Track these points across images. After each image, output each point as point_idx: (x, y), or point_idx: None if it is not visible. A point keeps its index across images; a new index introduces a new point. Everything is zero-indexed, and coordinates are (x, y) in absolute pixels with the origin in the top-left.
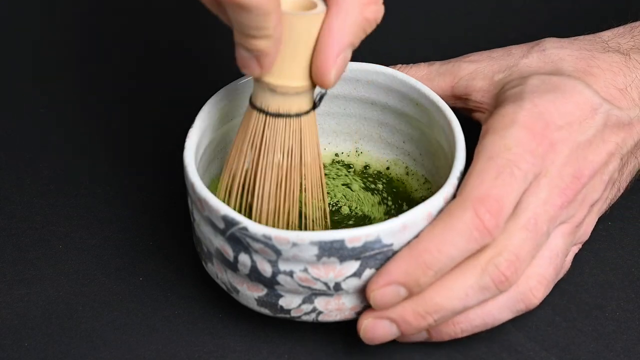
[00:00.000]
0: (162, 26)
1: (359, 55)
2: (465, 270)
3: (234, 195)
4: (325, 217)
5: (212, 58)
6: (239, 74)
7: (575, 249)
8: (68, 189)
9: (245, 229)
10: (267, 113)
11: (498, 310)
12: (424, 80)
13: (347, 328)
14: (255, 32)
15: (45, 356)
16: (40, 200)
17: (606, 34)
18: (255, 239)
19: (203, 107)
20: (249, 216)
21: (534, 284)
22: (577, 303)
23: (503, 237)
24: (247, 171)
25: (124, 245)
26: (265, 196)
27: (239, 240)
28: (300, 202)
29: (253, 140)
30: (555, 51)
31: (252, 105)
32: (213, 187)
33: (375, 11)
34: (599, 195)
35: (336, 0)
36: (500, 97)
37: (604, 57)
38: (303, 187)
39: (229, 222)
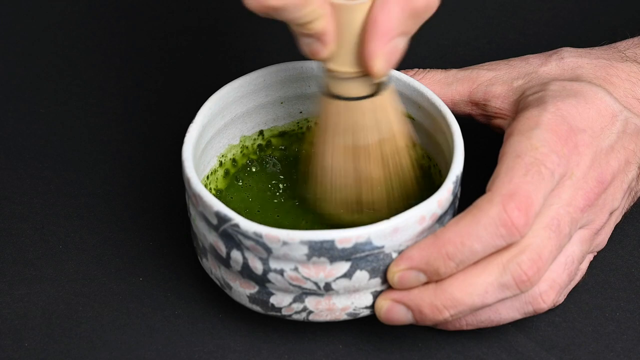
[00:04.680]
0: (162, 26)
1: None
2: (487, 266)
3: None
4: (386, 203)
5: (212, 57)
6: (240, 73)
7: (590, 257)
8: (68, 189)
9: (237, 225)
10: (327, 94)
11: (506, 310)
12: (441, 85)
13: (347, 328)
14: (304, 19)
15: (45, 356)
16: (40, 200)
17: (622, 44)
18: (246, 236)
19: (205, 103)
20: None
21: (545, 288)
22: (577, 303)
23: (526, 236)
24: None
25: (124, 245)
26: (334, 178)
27: (231, 237)
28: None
29: (320, 122)
30: (573, 59)
31: (321, 92)
32: (212, 184)
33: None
34: (619, 204)
35: None
36: (522, 103)
37: (623, 67)
38: (368, 168)
39: (222, 219)
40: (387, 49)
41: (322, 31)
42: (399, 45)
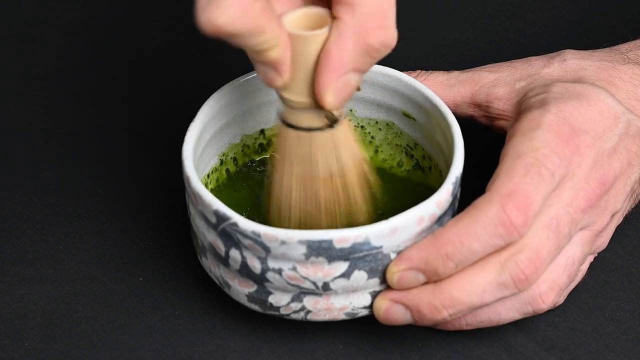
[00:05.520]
0: (162, 25)
1: None
2: (485, 266)
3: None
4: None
5: (212, 57)
6: (240, 72)
7: (591, 258)
8: (68, 189)
9: (235, 224)
10: (282, 122)
11: (506, 310)
12: (443, 87)
13: (347, 328)
14: (259, 46)
15: (45, 356)
16: (40, 200)
17: (624, 47)
18: (245, 235)
19: (205, 102)
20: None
21: (544, 289)
22: (577, 303)
23: (525, 236)
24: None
25: (124, 245)
26: (290, 206)
27: (230, 236)
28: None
29: (277, 148)
30: (576, 61)
31: (278, 118)
32: (212, 183)
33: (382, 37)
34: (621, 205)
35: (337, 24)
36: (524, 104)
37: (625, 69)
38: (320, 200)
39: (220, 217)
40: (338, 83)
41: (277, 60)
42: (351, 80)
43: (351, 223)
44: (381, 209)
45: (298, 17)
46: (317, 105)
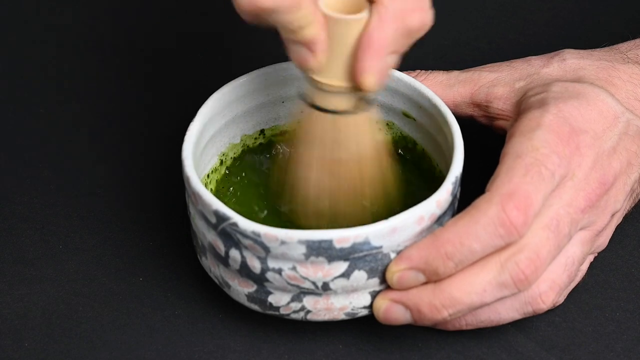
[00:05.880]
0: (162, 25)
1: None
2: (485, 265)
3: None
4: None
5: (212, 57)
6: (240, 72)
7: (591, 258)
8: (68, 189)
9: (235, 224)
10: (308, 104)
11: (506, 310)
12: (443, 87)
13: (347, 328)
14: (296, 24)
15: (45, 356)
16: (40, 200)
17: (623, 46)
18: (245, 235)
19: (205, 103)
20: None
21: (544, 289)
22: (577, 303)
23: (525, 236)
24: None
25: (124, 245)
26: (309, 187)
27: (230, 236)
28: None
29: (298, 131)
30: (575, 61)
31: (303, 98)
32: (212, 183)
33: (420, 19)
34: (621, 205)
35: (377, 8)
36: (524, 104)
37: (624, 69)
38: (341, 183)
39: (220, 217)
40: (380, 66)
41: (313, 39)
42: (390, 62)
43: (371, 207)
44: (382, 207)
45: (333, 0)
46: (351, 88)
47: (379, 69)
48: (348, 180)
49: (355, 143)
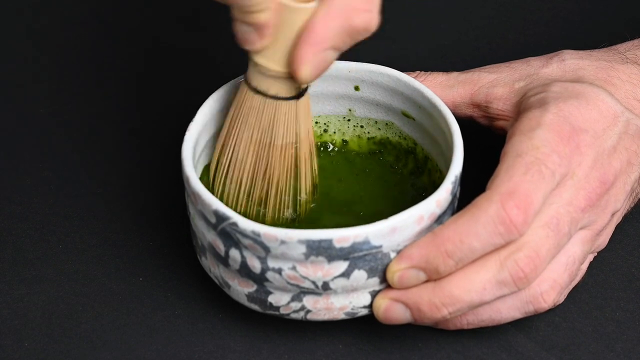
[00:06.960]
0: (162, 25)
1: (364, 57)
2: (485, 264)
3: (221, 171)
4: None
5: (212, 57)
6: (240, 72)
7: (591, 257)
8: (68, 189)
9: (235, 224)
10: (249, 87)
11: (507, 309)
12: (442, 88)
13: (347, 328)
14: (253, 7)
15: (45, 356)
16: (40, 200)
17: (622, 46)
18: (244, 234)
19: (205, 102)
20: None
21: (545, 288)
22: (577, 303)
23: (525, 234)
24: (227, 143)
25: (124, 245)
26: (243, 170)
27: (230, 236)
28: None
29: (235, 112)
30: (574, 61)
31: (244, 80)
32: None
33: (365, 20)
34: (621, 205)
35: (326, 2)
36: (523, 104)
37: (623, 69)
38: (274, 169)
39: (220, 217)
40: (316, 58)
41: (264, 23)
42: (329, 57)
43: (294, 197)
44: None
45: None
46: (289, 74)
47: (316, 61)
48: (280, 166)
49: (291, 129)
